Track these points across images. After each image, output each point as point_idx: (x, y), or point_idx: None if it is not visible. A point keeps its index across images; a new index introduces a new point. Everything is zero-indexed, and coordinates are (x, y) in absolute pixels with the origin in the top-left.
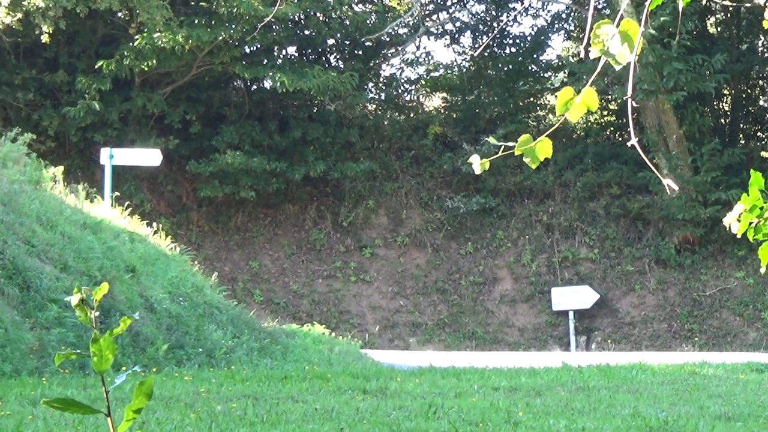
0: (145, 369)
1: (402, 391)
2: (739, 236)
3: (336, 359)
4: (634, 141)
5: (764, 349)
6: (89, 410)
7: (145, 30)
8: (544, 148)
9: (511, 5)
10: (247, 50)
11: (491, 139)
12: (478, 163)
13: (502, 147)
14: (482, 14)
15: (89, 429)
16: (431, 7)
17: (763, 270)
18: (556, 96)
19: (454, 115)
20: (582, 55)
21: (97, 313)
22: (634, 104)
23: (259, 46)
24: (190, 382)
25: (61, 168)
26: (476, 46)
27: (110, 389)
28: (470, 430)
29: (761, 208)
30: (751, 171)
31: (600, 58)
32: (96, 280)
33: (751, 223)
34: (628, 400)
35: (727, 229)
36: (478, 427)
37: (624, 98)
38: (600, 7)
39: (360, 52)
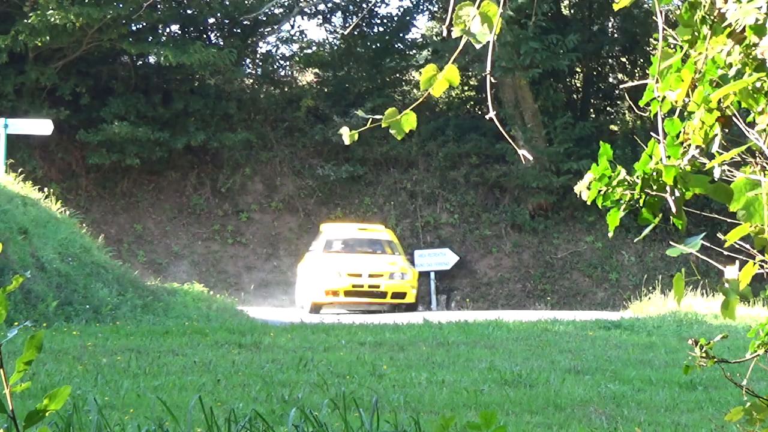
0: (35, 324)
1: (275, 345)
2: (589, 203)
3: (214, 316)
4: (492, 114)
5: (611, 307)
6: None
7: (39, 8)
8: (409, 120)
9: None
10: (134, 28)
11: (360, 112)
12: (347, 135)
13: (370, 119)
14: None
15: None
16: None
17: (610, 234)
18: (420, 72)
19: (326, 90)
20: (445, 34)
21: None
22: (493, 80)
23: (144, 24)
24: (78, 336)
25: None
26: (346, 25)
27: (3, 342)
28: (338, 382)
29: (609, 177)
30: (601, 143)
31: (462, 37)
32: None
33: (600, 191)
34: (485, 355)
35: (578, 196)
36: (345, 379)
37: (483, 74)
38: None
39: (238, 31)
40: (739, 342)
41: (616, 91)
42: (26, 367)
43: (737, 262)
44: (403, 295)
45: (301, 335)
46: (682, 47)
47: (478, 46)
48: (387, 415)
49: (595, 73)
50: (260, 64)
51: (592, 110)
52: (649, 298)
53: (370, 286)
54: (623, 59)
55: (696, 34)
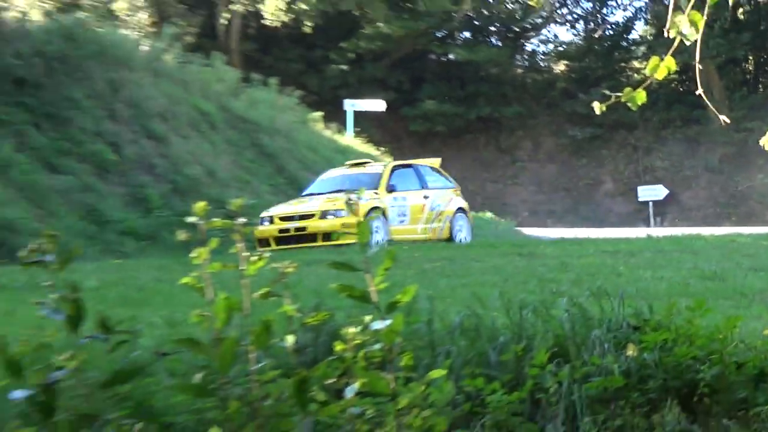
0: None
1: (543, 254)
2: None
3: (500, 234)
4: (700, 91)
5: None
6: None
7: (372, 22)
8: (640, 96)
9: None
10: (438, 34)
11: (605, 91)
12: (598, 107)
13: (613, 96)
14: None
15: None
16: None
17: None
18: (641, 62)
19: (572, 76)
20: (662, 34)
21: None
22: (700, 67)
23: (446, 32)
24: (407, 249)
25: (320, 113)
26: (587, 28)
27: (368, 256)
28: (590, 279)
29: None
30: None
31: (675, 37)
32: None
33: None
34: (690, 259)
35: (759, 145)
36: (594, 277)
37: (692, 63)
38: None
39: (511, 35)
40: None
41: None
42: (385, 272)
43: None
44: (329, 236)
45: (561, 247)
46: None
47: (687, 43)
48: (627, 302)
49: (762, 59)
50: (527, 58)
51: (761, 86)
52: None
53: (296, 230)
54: None
55: None
